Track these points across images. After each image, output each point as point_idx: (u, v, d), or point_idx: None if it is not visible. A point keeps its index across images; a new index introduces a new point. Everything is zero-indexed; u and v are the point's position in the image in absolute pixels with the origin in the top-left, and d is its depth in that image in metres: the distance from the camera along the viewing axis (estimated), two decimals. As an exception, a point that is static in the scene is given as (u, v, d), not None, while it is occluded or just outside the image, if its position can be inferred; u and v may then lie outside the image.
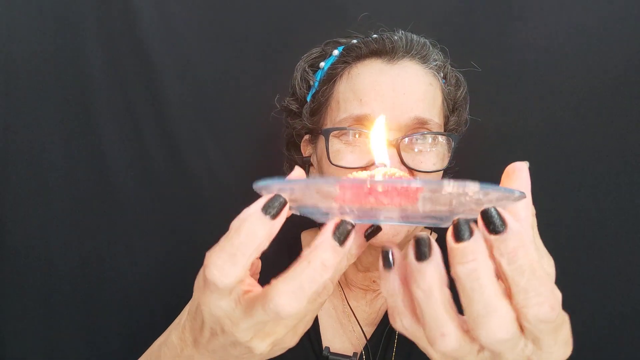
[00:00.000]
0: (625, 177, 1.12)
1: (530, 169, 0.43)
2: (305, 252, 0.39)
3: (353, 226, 0.39)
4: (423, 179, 0.37)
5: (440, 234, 0.41)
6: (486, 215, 0.37)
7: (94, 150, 1.23)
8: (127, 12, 1.21)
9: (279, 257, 0.70)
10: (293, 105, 0.95)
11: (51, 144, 1.22)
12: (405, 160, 0.79)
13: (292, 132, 0.97)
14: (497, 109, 1.18)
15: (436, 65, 0.88)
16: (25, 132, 1.22)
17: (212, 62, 1.25)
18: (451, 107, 0.91)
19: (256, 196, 0.41)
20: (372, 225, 0.44)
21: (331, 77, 0.88)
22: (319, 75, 0.92)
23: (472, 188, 0.35)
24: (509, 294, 0.37)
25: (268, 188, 0.39)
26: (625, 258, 1.12)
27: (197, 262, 1.40)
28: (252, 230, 0.38)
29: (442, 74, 0.89)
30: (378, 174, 0.41)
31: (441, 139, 0.84)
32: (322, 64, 0.92)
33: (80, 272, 1.23)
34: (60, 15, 1.21)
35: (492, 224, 0.36)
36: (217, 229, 1.33)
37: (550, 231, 1.13)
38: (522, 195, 0.38)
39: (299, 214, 0.42)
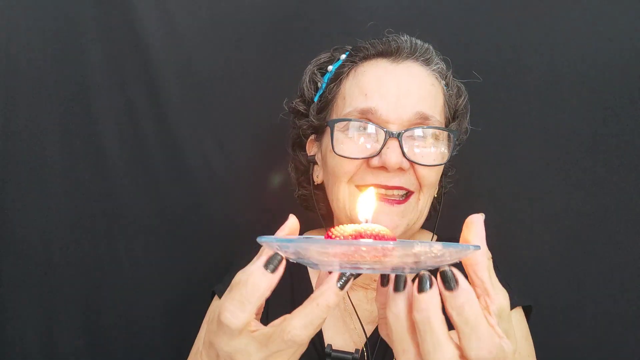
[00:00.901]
0: (627, 178, 1.13)
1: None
2: (315, 295, 0.50)
3: (354, 276, 0.50)
4: (398, 242, 0.46)
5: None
6: (443, 275, 0.47)
7: (94, 150, 1.23)
8: (127, 12, 1.21)
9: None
10: (300, 107, 0.99)
11: (51, 144, 1.22)
12: (407, 154, 0.82)
13: (298, 132, 1.00)
14: (498, 109, 1.18)
15: (438, 68, 0.91)
16: (25, 132, 1.21)
17: (212, 62, 1.25)
18: (452, 114, 0.94)
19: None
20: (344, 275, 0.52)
21: (338, 76, 0.92)
22: (327, 77, 0.96)
23: (437, 247, 0.44)
24: (458, 338, 0.47)
25: (269, 245, 0.50)
26: (626, 258, 1.12)
27: (196, 262, 1.40)
28: (256, 283, 0.50)
29: (444, 80, 0.93)
30: (364, 233, 0.50)
31: (442, 137, 0.87)
32: (330, 67, 0.96)
33: (80, 272, 1.23)
34: (60, 15, 1.21)
35: (447, 282, 0.47)
36: (216, 229, 1.33)
37: (551, 231, 1.15)
38: (477, 249, 0.49)
39: (295, 262, 0.52)
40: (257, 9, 1.24)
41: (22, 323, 1.21)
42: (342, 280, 0.49)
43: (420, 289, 0.47)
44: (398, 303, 0.49)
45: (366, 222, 0.56)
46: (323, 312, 0.49)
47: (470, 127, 0.99)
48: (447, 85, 0.93)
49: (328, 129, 0.89)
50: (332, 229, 0.51)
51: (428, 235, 1.04)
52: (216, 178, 1.26)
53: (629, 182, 1.13)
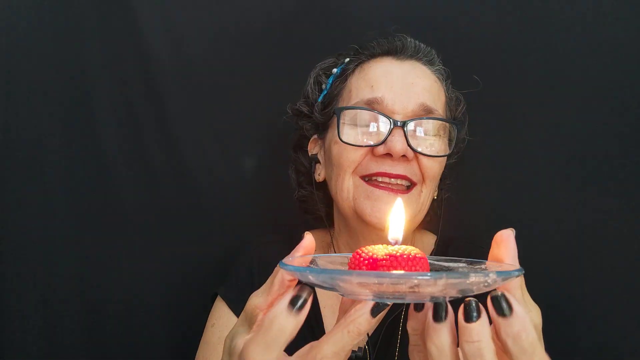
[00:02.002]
0: (628, 178, 1.13)
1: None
2: (345, 322, 0.46)
3: (389, 306, 0.46)
4: (452, 273, 0.44)
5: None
6: (495, 301, 0.43)
7: (94, 150, 1.23)
8: (127, 12, 1.21)
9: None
10: (304, 108, 1.01)
11: (51, 144, 1.22)
12: (411, 143, 0.85)
13: (300, 132, 1.03)
14: (498, 109, 1.18)
15: (440, 70, 0.96)
16: (25, 132, 1.21)
17: (212, 62, 1.25)
18: (453, 115, 0.98)
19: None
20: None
21: (344, 73, 0.96)
22: (332, 78, 0.99)
23: (492, 277, 0.41)
24: None
25: (298, 275, 0.46)
26: (629, 258, 1.12)
27: (196, 262, 1.40)
28: (282, 326, 0.46)
29: (445, 83, 0.97)
30: (400, 257, 0.46)
31: (444, 131, 0.91)
32: (334, 70, 0.99)
33: (80, 273, 1.23)
34: (60, 15, 1.21)
35: (501, 309, 0.43)
36: (216, 229, 1.33)
37: (553, 232, 1.15)
38: (521, 272, 0.44)
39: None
40: (259, 10, 1.24)
41: (22, 323, 1.21)
42: (376, 310, 0.46)
43: (469, 319, 0.43)
44: (441, 335, 0.45)
45: (396, 243, 0.53)
46: (354, 339, 0.47)
47: (468, 137, 1.02)
48: (447, 89, 0.98)
49: (332, 125, 0.93)
50: (361, 250, 0.47)
51: (429, 236, 1.04)
52: (216, 178, 1.26)
53: (632, 183, 1.12)
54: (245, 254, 1.07)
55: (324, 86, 0.99)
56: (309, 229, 1.07)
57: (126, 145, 1.24)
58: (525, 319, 0.43)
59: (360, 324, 0.46)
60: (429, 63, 0.95)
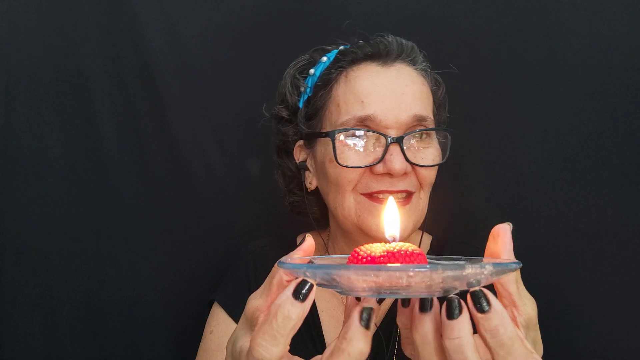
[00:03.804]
0: (627, 178, 1.13)
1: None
2: (343, 345, 0.45)
3: (372, 309, 0.46)
4: (440, 266, 0.42)
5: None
6: (474, 297, 0.44)
7: (94, 150, 1.23)
8: (127, 12, 1.22)
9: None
10: (284, 112, 0.98)
11: (51, 144, 1.22)
12: (409, 157, 0.84)
13: (283, 138, 0.99)
14: (498, 109, 1.18)
15: (424, 67, 0.93)
16: (25, 132, 1.21)
17: (212, 62, 1.25)
18: (437, 107, 0.96)
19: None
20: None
21: (327, 82, 0.91)
22: (310, 81, 0.95)
23: (488, 269, 0.42)
24: (492, 359, 0.45)
25: (295, 272, 0.47)
26: (626, 259, 1.12)
27: (196, 262, 1.40)
28: (287, 315, 0.46)
29: (429, 77, 0.94)
30: (397, 253, 0.47)
31: (435, 135, 0.90)
32: (311, 70, 0.95)
33: (80, 273, 1.23)
34: (60, 15, 1.21)
35: (479, 304, 0.44)
36: (216, 228, 1.33)
37: (550, 231, 1.15)
38: (519, 265, 0.45)
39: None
40: (258, 9, 1.24)
41: (22, 324, 1.21)
42: (365, 319, 0.45)
43: (450, 316, 0.44)
44: (425, 324, 0.46)
45: (393, 240, 0.53)
46: (358, 352, 0.45)
47: (448, 116, 1.00)
48: (430, 80, 0.95)
49: (324, 139, 0.89)
50: (359, 249, 0.48)
51: (424, 236, 1.03)
52: (216, 178, 1.26)
53: (630, 181, 1.12)
54: (240, 259, 1.07)
55: (302, 89, 0.95)
56: (304, 232, 1.08)
57: (126, 145, 1.24)
58: (504, 314, 0.44)
59: (357, 342, 0.45)
60: (413, 62, 0.91)
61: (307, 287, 0.46)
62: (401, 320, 0.50)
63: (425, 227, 0.96)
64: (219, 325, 0.97)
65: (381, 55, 0.89)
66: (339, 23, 1.22)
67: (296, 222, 1.11)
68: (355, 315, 0.45)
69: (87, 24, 1.22)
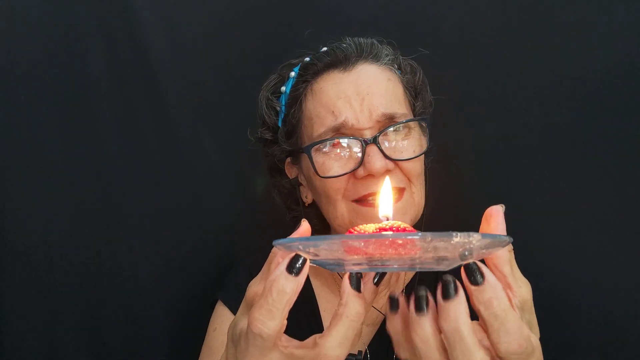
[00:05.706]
0: (627, 178, 1.13)
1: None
2: (340, 310, 0.48)
3: (362, 275, 0.48)
4: (437, 234, 0.43)
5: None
6: (468, 269, 0.45)
7: (94, 150, 1.23)
8: (127, 12, 1.22)
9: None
10: (267, 134, 0.99)
11: (51, 144, 1.22)
12: (388, 154, 0.83)
13: (272, 159, 1.00)
14: (497, 109, 1.18)
15: (389, 59, 0.92)
16: (25, 132, 1.21)
17: (212, 62, 1.25)
18: (414, 93, 0.95)
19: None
20: (378, 273, 0.52)
21: (296, 98, 0.92)
22: (283, 99, 0.95)
23: (476, 237, 0.42)
24: (486, 331, 0.46)
25: (289, 248, 0.48)
26: (627, 258, 1.12)
27: (196, 261, 1.39)
28: (282, 289, 0.47)
29: (396, 66, 0.93)
30: (389, 229, 0.49)
31: (414, 126, 0.88)
32: (283, 88, 0.96)
33: (80, 272, 1.23)
34: (60, 16, 1.22)
35: (473, 277, 0.45)
36: (216, 228, 1.32)
37: (550, 230, 1.15)
38: (510, 241, 0.46)
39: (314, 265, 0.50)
40: (258, 9, 1.24)
41: (22, 323, 1.21)
42: (354, 282, 0.48)
43: (446, 296, 0.44)
44: (424, 326, 0.46)
45: (387, 219, 0.54)
46: (354, 323, 0.48)
47: (432, 97, 0.99)
48: (400, 70, 0.94)
49: (304, 156, 0.89)
50: (353, 228, 0.50)
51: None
52: (217, 179, 1.27)
53: (630, 182, 1.13)
54: (243, 259, 1.08)
55: (278, 108, 0.96)
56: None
57: (126, 145, 1.24)
58: (497, 286, 0.45)
59: (352, 306, 0.47)
60: (375, 59, 0.91)
61: (300, 261, 0.48)
62: (392, 326, 0.51)
63: (423, 223, 0.96)
64: (223, 323, 0.98)
65: (340, 62, 0.89)
66: (339, 22, 1.22)
67: (298, 222, 1.11)
68: (346, 280, 0.48)
69: (87, 24, 1.22)
